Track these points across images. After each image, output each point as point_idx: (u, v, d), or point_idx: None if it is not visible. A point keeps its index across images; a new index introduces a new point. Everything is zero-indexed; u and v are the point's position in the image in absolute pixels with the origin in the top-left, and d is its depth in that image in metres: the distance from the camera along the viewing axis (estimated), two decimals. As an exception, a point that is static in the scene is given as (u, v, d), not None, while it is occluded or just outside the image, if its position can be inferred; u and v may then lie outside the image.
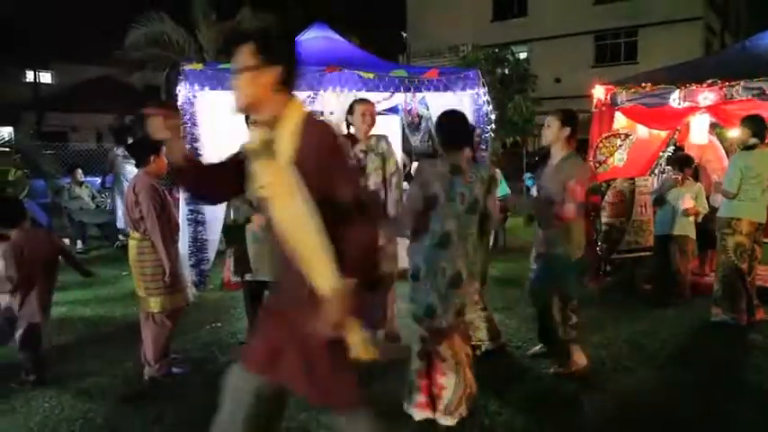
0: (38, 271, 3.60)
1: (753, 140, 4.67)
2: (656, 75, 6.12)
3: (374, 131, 4.12)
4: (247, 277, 4.09)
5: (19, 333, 3.58)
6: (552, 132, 3.72)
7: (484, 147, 6.11)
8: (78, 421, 3.10)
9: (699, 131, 6.11)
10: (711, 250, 5.55)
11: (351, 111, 4.03)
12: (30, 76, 25.95)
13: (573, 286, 3.75)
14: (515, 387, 3.16)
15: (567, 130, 3.69)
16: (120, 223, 7.75)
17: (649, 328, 4.65)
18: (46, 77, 27.51)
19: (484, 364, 3.53)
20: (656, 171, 6.62)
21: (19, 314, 3.58)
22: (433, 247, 2.92)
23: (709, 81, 5.38)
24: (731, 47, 13.28)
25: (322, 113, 7.22)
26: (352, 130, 4.02)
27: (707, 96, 5.41)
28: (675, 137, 6.59)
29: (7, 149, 5.37)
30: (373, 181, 3.95)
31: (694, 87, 5.48)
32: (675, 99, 5.58)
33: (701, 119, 6.01)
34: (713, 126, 6.29)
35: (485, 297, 4.07)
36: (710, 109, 5.65)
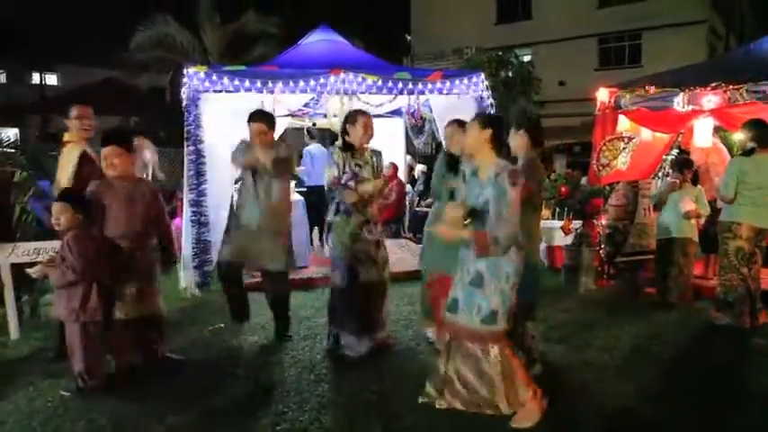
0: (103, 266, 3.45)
1: (750, 145, 4.64)
2: (660, 78, 6.10)
3: (377, 133, 4.12)
4: None
5: (74, 331, 3.39)
6: (514, 143, 3.67)
7: None
8: (81, 421, 3.11)
9: (702, 134, 6.09)
10: (714, 254, 5.53)
11: (351, 121, 3.95)
12: (36, 78, 26.10)
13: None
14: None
15: (525, 137, 3.66)
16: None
17: (652, 331, 4.64)
18: (52, 80, 27.67)
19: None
20: (660, 174, 6.61)
21: (77, 311, 3.36)
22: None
23: (714, 84, 5.36)
24: (735, 50, 13.25)
25: (325, 116, 7.26)
26: (348, 138, 3.96)
27: (711, 99, 5.39)
28: (679, 140, 6.58)
29: (13, 150, 5.42)
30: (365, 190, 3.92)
31: (698, 90, 5.46)
32: (679, 102, 5.56)
33: (704, 122, 5.98)
34: (717, 129, 6.27)
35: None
36: (714, 112, 5.63)
